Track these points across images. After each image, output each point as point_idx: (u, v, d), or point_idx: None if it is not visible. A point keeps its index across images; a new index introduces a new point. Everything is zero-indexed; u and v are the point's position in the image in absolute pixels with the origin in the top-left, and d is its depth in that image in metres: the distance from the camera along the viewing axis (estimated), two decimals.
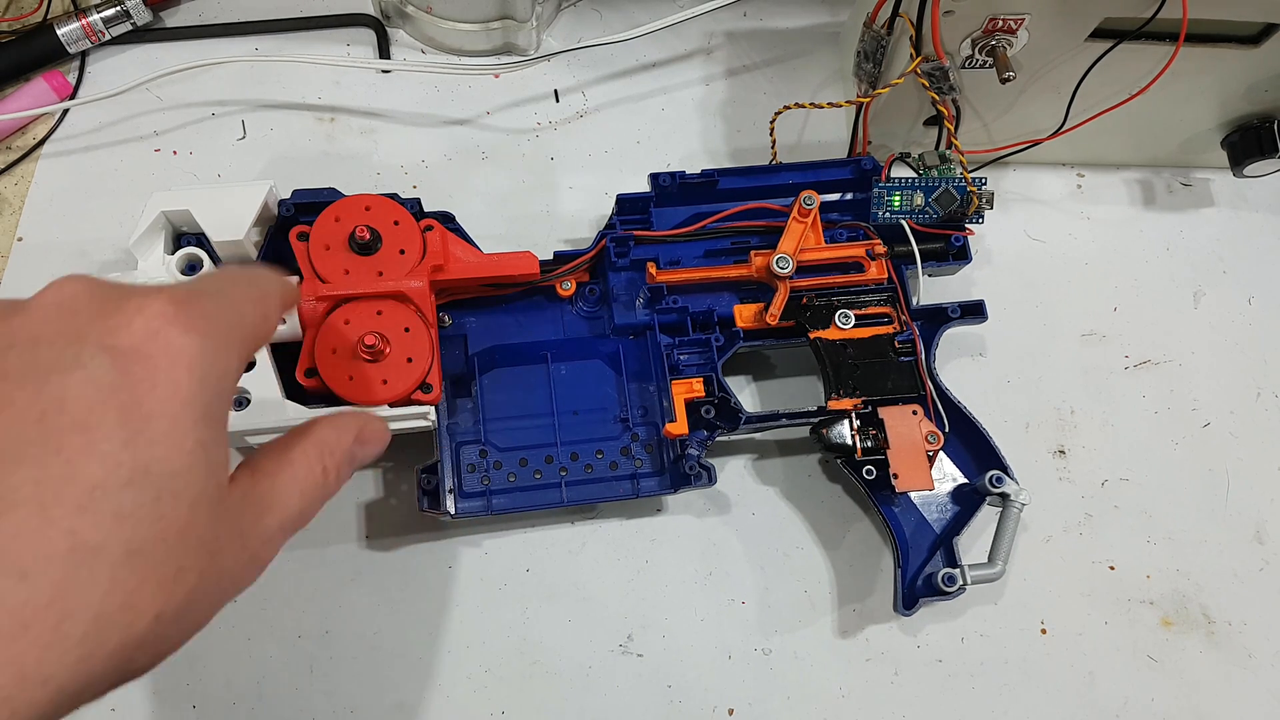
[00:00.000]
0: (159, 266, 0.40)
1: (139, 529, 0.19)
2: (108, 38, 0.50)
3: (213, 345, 0.22)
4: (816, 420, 0.43)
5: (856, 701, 0.43)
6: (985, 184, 0.46)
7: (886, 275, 0.45)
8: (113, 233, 0.47)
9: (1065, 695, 0.44)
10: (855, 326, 0.44)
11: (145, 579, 0.19)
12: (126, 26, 0.50)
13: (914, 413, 0.42)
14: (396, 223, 0.40)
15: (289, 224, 0.41)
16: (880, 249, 0.45)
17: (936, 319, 0.45)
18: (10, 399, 0.19)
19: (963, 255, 0.46)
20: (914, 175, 0.45)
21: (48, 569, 0.18)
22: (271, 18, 0.52)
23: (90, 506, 0.19)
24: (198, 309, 0.22)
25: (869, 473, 0.42)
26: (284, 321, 0.37)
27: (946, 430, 0.43)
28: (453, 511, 0.41)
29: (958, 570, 0.41)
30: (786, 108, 0.49)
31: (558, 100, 0.53)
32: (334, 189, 0.42)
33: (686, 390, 0.42)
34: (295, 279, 0.30)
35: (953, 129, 0.45)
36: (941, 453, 0.44)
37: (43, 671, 0.18)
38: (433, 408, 0.39)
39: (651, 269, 0.44)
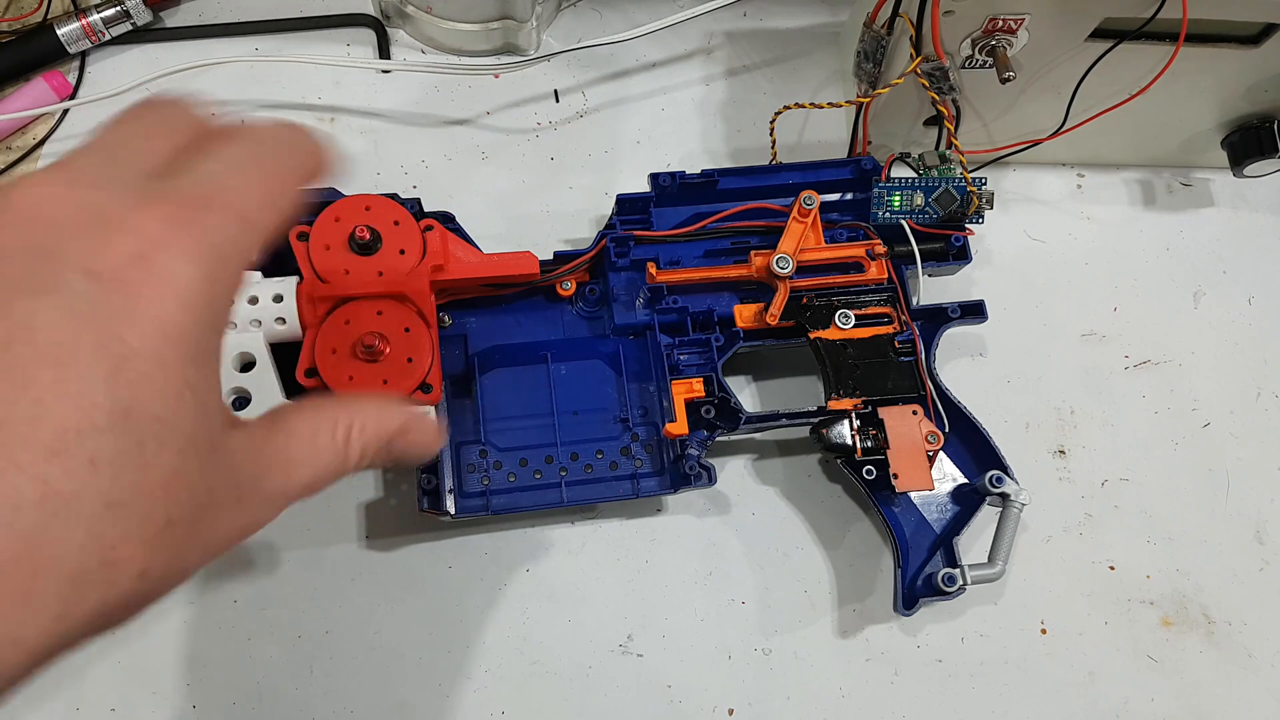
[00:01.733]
0: None
1: (119, 478, 0.17)
2: (108, 38, 0.50)
3: (208, 269, 0.19)
4: (816, 420, 0.43)
5: (856, 701, 0.43)
6: (985, 184, 0.46)
7: (886, 275, 0.45)
8: None
9: (1065, 695, 0.44)
10: (855, 326, 0.44)
11: (128, 533, 0.18)
12: (126, 26, 0.50)
13: (914, 413, 0.42)
14: (396, 223, 0.40)
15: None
16: (880, 249, 0.45)
17: (936, 319, 0.45)
18: None
19: (963, 255, 0.46)
20: (914, 175, 0.45)
21: (15, 519, 0.16)
22: (271, 18, 0.52)
23: (63, 452, 0.17)
24: (198, 226, 0.20)
25: (869, 473, 0.42)
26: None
27: (946, 430, 0.43)
28: (453, 511, 0.41)
29: (958, 570, 0.41)
30: (786, 108, 0.49)
31: (558, 100, 0.53)
32: (334, 189, 0.42)
33: (686, 390, 0.42)
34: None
35: (953, 129, 0.45)
36: (941, 453, 0.44)
37: (13, 632, 0.16)
38: (433, 408, 0.39)
39: (651, 269, 0.44)
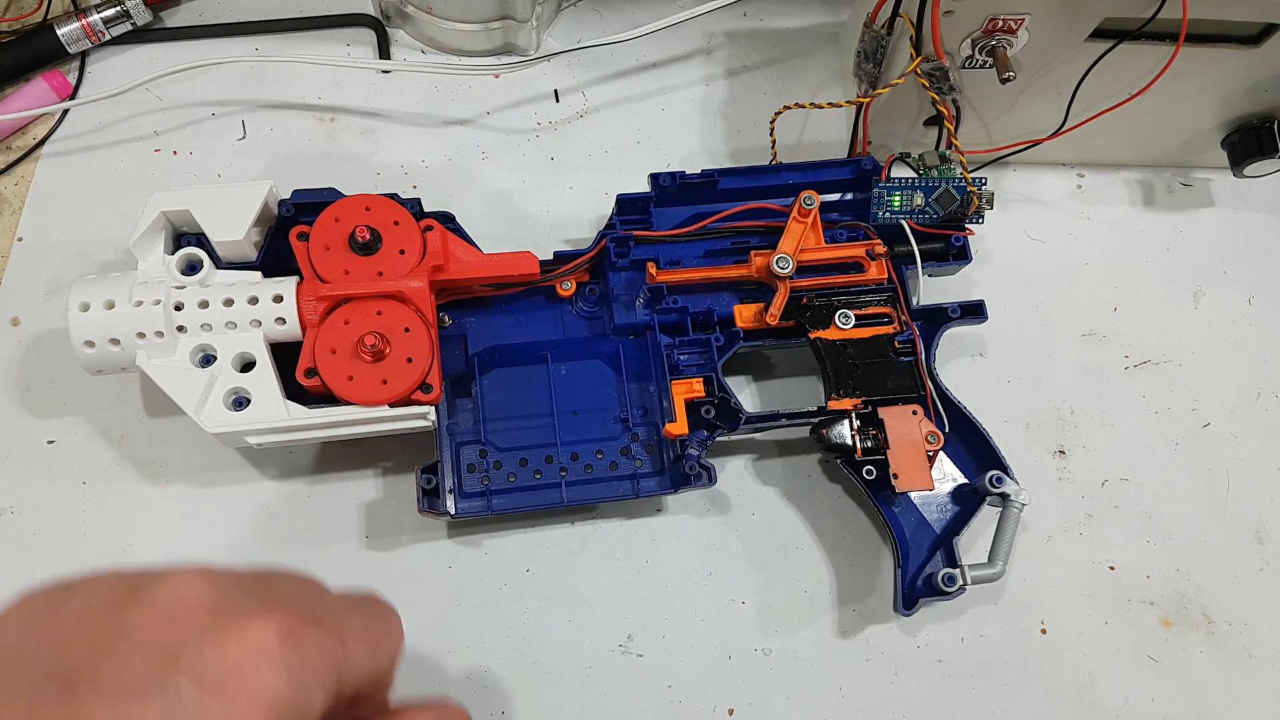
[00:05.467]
0: (159, 266, 0.40)
1: None
2: (108, 38, 0.50)
3: (302, 686, 0.22)
4: (816, 420, 0.43)
5: (856, 701, 0.43)
6: (985, 184, 0.46)
7: (886, 275, 0.45)
8: (113, 233, 0.47)
9: (1065, 695, 0.44)
10: (855, 326, 0.44)
11: None
12: (126, 26, 0.50)
13: (914, 413, 0.42)
14: (396, 223, 0.40)
15: (289, 224, 0.41)
16: (880, 249, 0.45)
17: (936, 319, 0.45)
18: (91, 717, 0.20)
19: (963, 255, 0.46)
20: (914, 175, 0.45)
21: None
22: (271, 18, 0.52)
23: None
24: (302, 645, 0.22)
25: (869, 473, 0.42)
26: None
27: (946, 430, 0.43)
28: (453, 511, 0.41)
29: (958, 570, 0.41)
30: (786, 108, 0.49)
31: (558, 100, 0.53)
32: (334, 189, 0.42)
33: (686, 390, 0.42)
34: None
35: (953, 129, 0.45)
36: (941, 453, 0.44)
37: None
38: (433, 408, 0.39)
39: (651, 269, 0.44)
